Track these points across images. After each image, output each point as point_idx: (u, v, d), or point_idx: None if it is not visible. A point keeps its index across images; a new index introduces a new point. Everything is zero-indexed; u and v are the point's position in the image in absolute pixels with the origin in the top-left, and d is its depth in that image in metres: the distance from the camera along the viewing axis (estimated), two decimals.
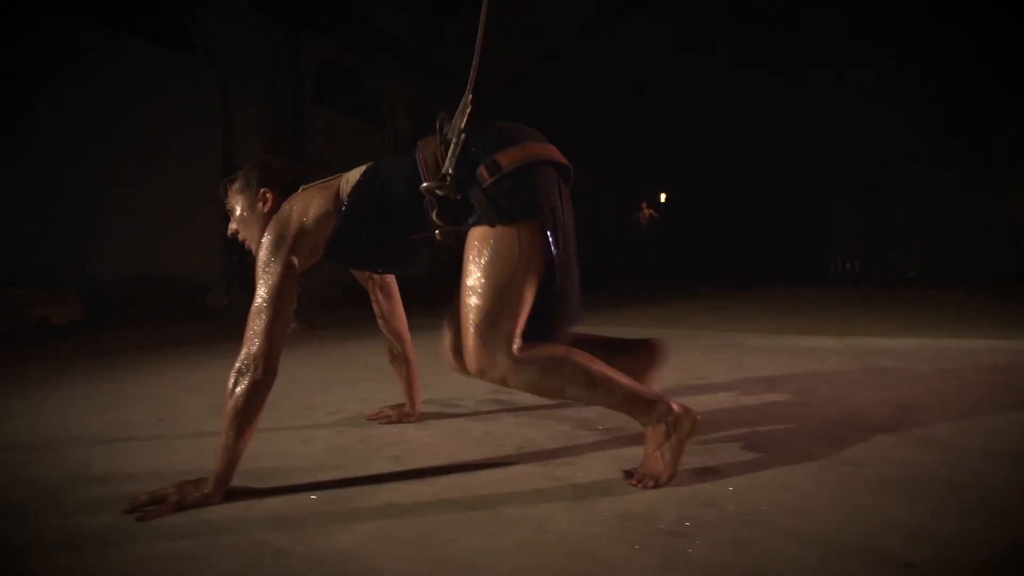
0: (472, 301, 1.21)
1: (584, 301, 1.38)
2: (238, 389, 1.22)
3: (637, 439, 1.59)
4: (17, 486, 1.38)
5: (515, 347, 1.19)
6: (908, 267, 15.34)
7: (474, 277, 1.22)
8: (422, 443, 1.67)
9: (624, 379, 1.28)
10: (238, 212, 1.49)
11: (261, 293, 1.27)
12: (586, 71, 14.59)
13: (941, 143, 14.77)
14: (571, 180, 1.37)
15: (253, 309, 1.26)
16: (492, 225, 1.23)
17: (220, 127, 7.91)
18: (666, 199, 12.04)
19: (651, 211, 11.06)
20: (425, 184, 1.27)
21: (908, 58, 13.14)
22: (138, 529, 1.12)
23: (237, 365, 1.24)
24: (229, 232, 1.53)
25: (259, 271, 1.29)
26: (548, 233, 1.24)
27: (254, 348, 1.24)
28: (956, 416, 1.87)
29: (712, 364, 2.98)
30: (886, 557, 0.95)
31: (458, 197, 1.27)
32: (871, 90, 14.33)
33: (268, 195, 1.47)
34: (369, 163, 1.43)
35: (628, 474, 1.31)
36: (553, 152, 1.32)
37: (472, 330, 1.20)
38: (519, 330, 1.21)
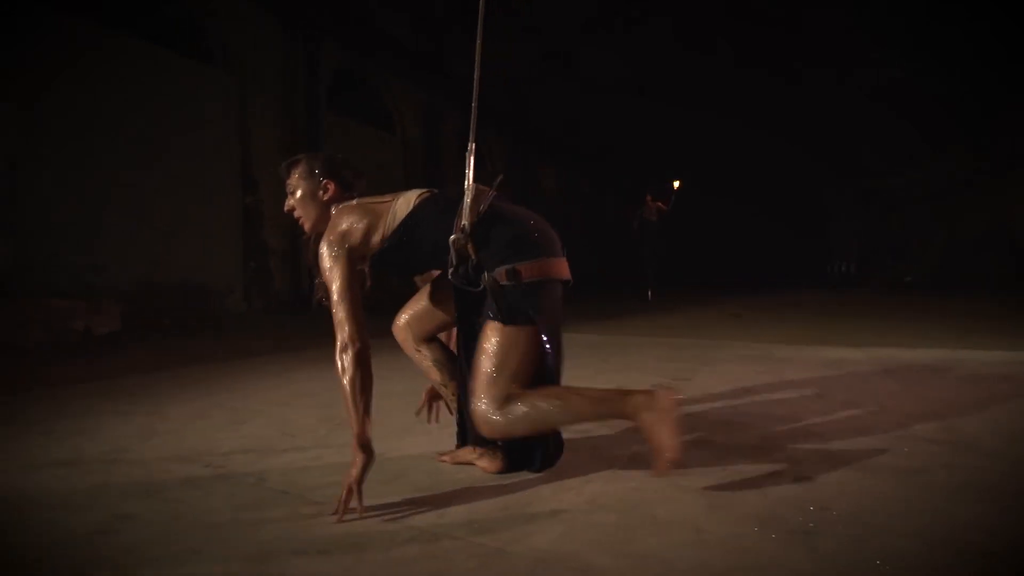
0: (480, 380, 1.55)
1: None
2: (347, 363, 1.53)
3: (720, 445, 1.88)
4: (212, 499, 1.60)
5: (503, 409, 1.52)
6: (908, 269, 15.66)
7: (483, 360, 1.55)
8: None
9: (592, 391, 1.58)
10: (299, 194, 1.78)
11: (335, 288, 1.59)
12: (586, 71, 14.83)
13: (942, 145, 15.07)
14: (570, 284, 1.68)
15: (334, 303, 1.59)
16: (502, 323, 1.55)
17: (235, 132, 7.98)
18: (679, 187, 11.57)
19: (659, 204, 10.84)
20: (453, 237, 1.57)
21: (909, 59, 13.43)
22: (359, 534, 1.37)
23: (339, 347, 1.54)
24: (286, 207, 1.81)
25: (325, 274, 1.63)
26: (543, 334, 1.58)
27: (346, 330, 1.55)
28: (995, 426, 2.16)
29: (752, 376, 3.25)
30: (979, 551, 1.23)
31: (475, 261, 1.57)
32: (871, 91, 14.64)
33: (330, 186, 1.77)
34: (420, 196, 1.71)
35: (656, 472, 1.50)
36: (561, 270, 1.62)
37: (475, 402, 1.56)
38: (507, 395, 1.53)
